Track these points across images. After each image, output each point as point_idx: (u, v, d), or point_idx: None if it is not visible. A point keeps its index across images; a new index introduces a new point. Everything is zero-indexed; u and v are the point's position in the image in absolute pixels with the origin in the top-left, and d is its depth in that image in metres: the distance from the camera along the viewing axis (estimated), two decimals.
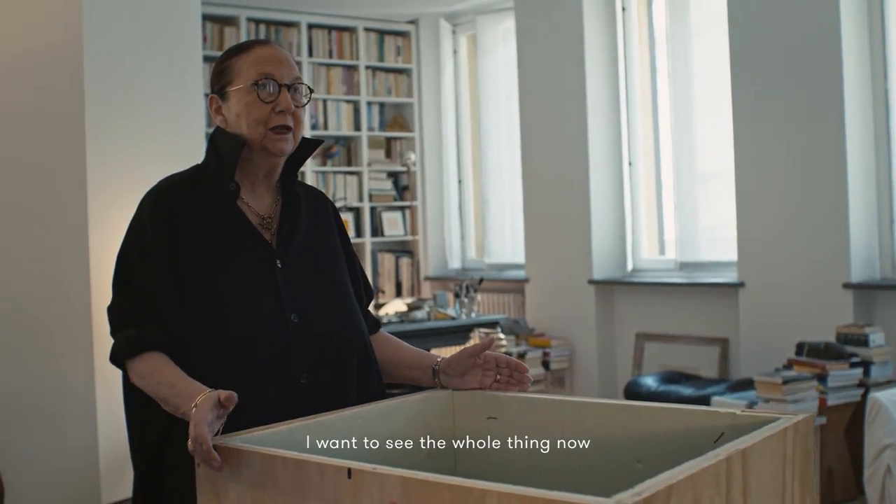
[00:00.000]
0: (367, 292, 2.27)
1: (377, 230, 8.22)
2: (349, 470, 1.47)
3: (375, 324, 2.29)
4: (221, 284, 1.97)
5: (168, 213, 1.98)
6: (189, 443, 1.66)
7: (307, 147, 2.13)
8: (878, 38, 5.24)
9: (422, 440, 2.04)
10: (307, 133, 7.75)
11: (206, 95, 2.17)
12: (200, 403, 1.70)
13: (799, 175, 5.40)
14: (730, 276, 5.94)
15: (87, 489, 3.54)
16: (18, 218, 3.86)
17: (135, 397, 1.98)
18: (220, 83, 2.05)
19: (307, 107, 2.10)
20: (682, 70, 6.30)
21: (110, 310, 2.01)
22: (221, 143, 2.05)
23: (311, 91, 2.10)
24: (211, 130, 2.14)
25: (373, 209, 8.22)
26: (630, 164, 6.75)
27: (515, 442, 2.01)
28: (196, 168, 2.11)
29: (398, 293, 8.23)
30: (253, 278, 2.00)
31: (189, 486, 1.81)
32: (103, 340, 3.53)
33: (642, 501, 1.23)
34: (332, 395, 1.98)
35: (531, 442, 2.00)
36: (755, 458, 1.51)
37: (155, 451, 1.98)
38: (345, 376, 2.06)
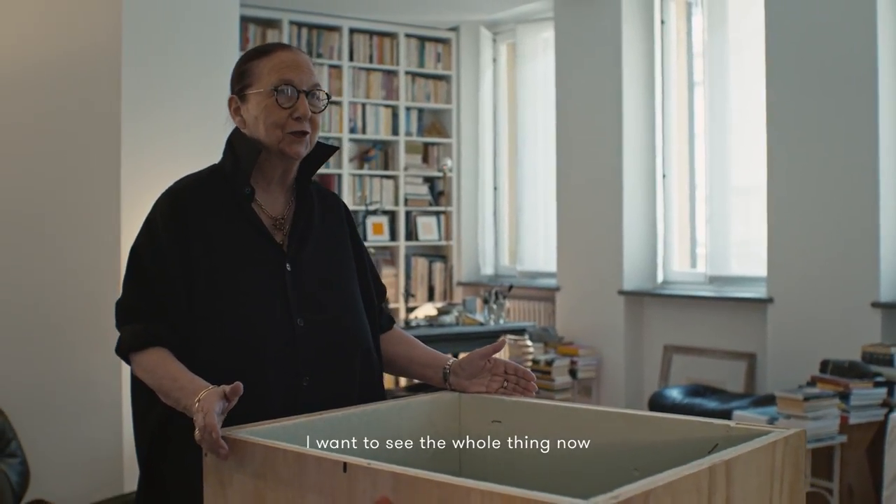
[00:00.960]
0: (378, 291, 2.30)
1: (412, 234, 8.28)
2: (345, 464, 1.53)
3: (389, 320, 2.33)
4: (230, 285, 2.02)
5: (181, 213, 2.04)
6: (196, 432, 1.72)
7: (322, 152, 2.18)
8: None
9: (427, 441, 2.09)
10: (346, 136, 7.85)
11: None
12: (207, 395, 1.76)
13: (831, 192, 5.40)
14: (759, 292, 5.93)
15: (111, 478, 3.62)
16: (52, 213, 3.95)
17: (138, 389, 2.05)
18: (239, 85, 2.10)
19: (326, 111, 2.15)
20: (719, 84, 6.31)
21: (119, 304, 2.07)
22: (239, 145, 2.10)
23: (329, 97, 2.14)
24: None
25: (408, 213, 8.29)
26: (664, 176, 6.76)
27: (518, 445, 2.06)
28: (213, 168, 2.16)
29: (430, 297, 8.29)
30: (262, 281, 2.05)
31: (187, 476, 1.88)
32: None
33: None
34: (333, 397, 2.02)
35: (533, 446, 2.04)
36: (740, 469, 1.55)
37: (154, 443, 2.05)
38: (347, 379, 2.10)
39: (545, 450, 2.01)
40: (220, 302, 2.00)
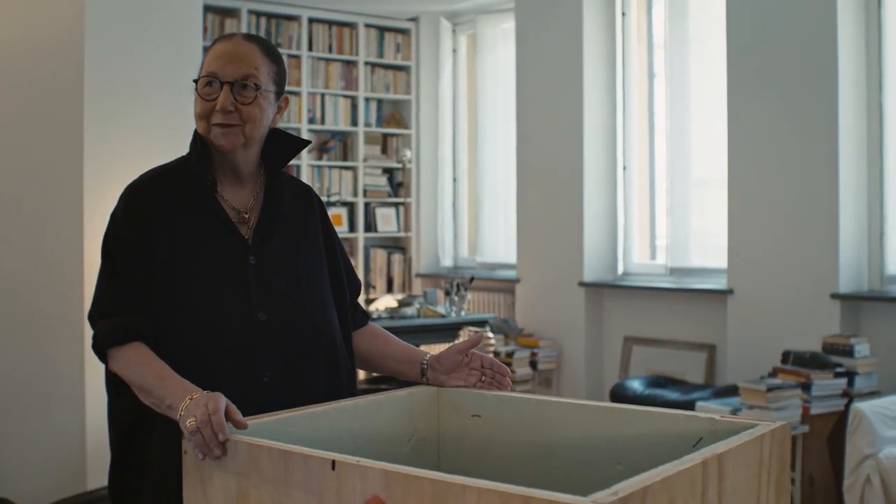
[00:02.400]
0: (353, 286, 2.27)
1: (370, 226, 8.24)
2: (333, 462, 1.50)
3: (364, 316, 2.30)
4: (190, 278, 1.99)
5: (142, 206, 2.01)
6: (191, 422, 1.68)
7: (292, 144, 2.15)
8: (875, 51, 5.28)
9: (405, 435, 2.07)
10: (305, 126, 7.78)
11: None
12: (216, 396, 1.73)
13: (791, 185, 5.44)
14: (719, 283, 5.97)
15: (74, 474, 3.56)
16: (14, 205, 3.88)
17: (114, 382, 2.01)
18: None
19: (271, 101, 2.05)
20: (679, 76, 6.33)
21: (94, 301, 2.04)
22: (196, 135, 2.08)
23: (259, 88, 2.02)
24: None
25: (367, 205, 8.25)
26: (624, 168, 6.78)
27: (497, 440, 2.05)
28: (180, 160, 2.13)
29: (389, 289, 8.25)
30: (223, 273, 2.02)
31: (161, 470, 1.85)
32: None
33: (618, 501, 1.26)
34: (296, 394, 1.99)
35: (513, 440, 2.03)
36: (731, 463, 1.55)
37: (128, 436, 2.01)
38: (311, 375, 2.06)
39: (526, 448, 2.00)
40: (179, 294, 1.98)
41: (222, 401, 1.72)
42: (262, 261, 2.06)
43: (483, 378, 2.13)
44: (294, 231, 2.15)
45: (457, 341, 2.27)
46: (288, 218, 2.14)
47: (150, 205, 2.01)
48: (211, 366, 1.93)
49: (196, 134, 2.08)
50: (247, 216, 2.09)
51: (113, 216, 2.06)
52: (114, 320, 1.97)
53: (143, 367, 1.91)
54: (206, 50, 2.10)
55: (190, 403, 1.73)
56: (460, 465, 2.06)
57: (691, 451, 1.72)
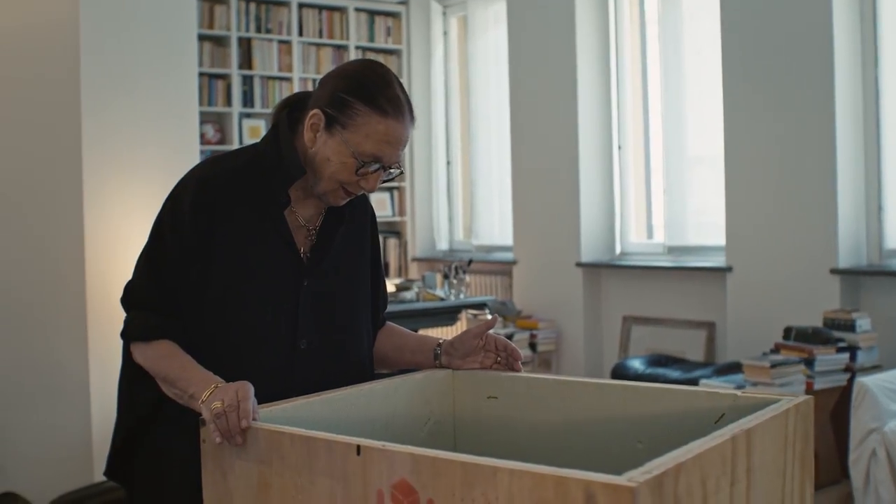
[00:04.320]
0: (383, 301, 2.27)
1: None
2: (358, 447, 1.49)
3: (382, 321, 2.29)
4: (242, 295, 1.96)
5: (211, 204, 1.94)
6: (216, 406, 1.66)
7: None
8: (870, 26, 5.26)
9: (422, 418, 2.06)
10: None
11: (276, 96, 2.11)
12: (243, 384, 1.72)
13: (788, 161, 5.43)
14: (718, 261, 5.97)
15: (80, 466, 3.54)
16: (12, 196, 3.84)
17: (132, 368, 1.99)
18: (335, 112, 1.92)
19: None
20: (673, 54, 6.31)
21: (132, 286, 2.00)
22: (287, 150, 1.98)
23: (402, 171, 2.05)
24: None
25: (369, 191, 8.18)
26: (619, 147, 6.76)
27: (514, 421, 2.03)
28: (250, 158, 2.03)
29: (386, 274, 8.22)
30: (276, 295, 1.98)
31: (172, 460, 1.85)
32: (97, 319, 3.54)
33: (652, 479, 1.24)
34: None
35: (529, 421, 2.01)
36: (759, 439, 1.53)
37: (141, 427, 2.00)
38: None
39: (544, 429, 1.99)
40: (229, 311, 1.95)
41: (252, 390, 1.71)
42: (315, 283, 2.02)
43: (499, 359, 2.12)
44: (347, 248, 2.11)
45: (462, 325, 2.26)
46: (346, 234, 2.10)
47: (220, 205, 1.95)
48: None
49: (279, 139, 1.99)
50: (311, 230, 2.05)
51: (175, 201, 1.98)
52: (146, 316, 1.95)
53: (168, 359, 1.90)
54: (357, 94, 1.91)
55: (217, 390, 1.72)
56: (477, 447, 2.04)
57: (712, 428, 1.71)
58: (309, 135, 1.95)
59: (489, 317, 6.00)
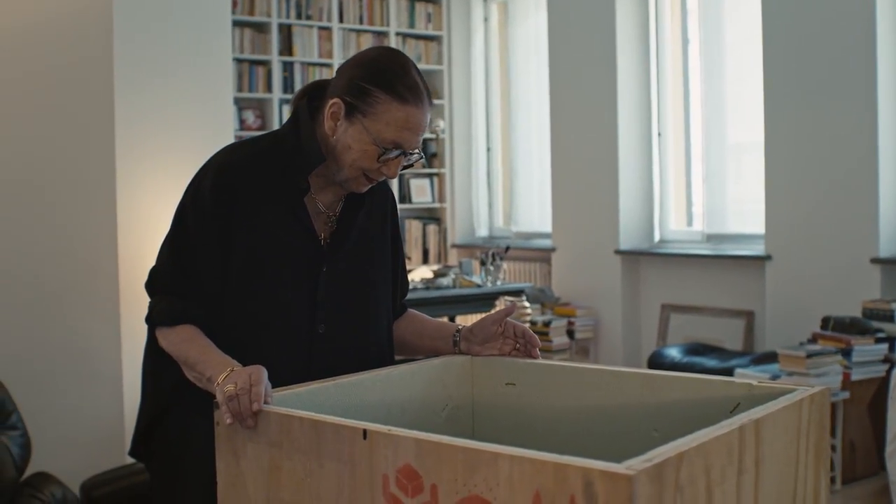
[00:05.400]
0: (403, 287, 2.28)
1: (405, 197, 8.22)
2: (364, 431, 1.50)
3: (402, 308, 2.29)
4: (262, 280, 1.97)
5: (232, 191, 1.96)
6: (229, 388, 1.68)
7: None
8: None
9: (440, 404, 2.06)
10: None
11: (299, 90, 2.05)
12: (257, 368, 1.74)
13: (829, 149, 5.36)
14: (757, 249, 5.91)
15: (112, 448, 3.58)
16: (46, 182, 3.89)
17: (157, 351, 2.02)
18: (353, 99, 1.93)
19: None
20: (714, 41, 6.24)
21: (156, 271, 2.03)
22: (308, 138, 1.99)
23: (422, 157, 2.07)
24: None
25: (401, 176, 8.21)
26: (659, 134, 6.71)
27: (532, 408, 2.03)
28: (271, 142, 2.05)
29: (425, 260, 8.24)
30: (295, 281, 2.00)
31: (192, 441, 1.88)
32: (130, 301, 3.58)
33: (652, 468, 1.24)
34: None
35: (548, 408, 2.01)
36: (769, 429, 1.52)
37: (162, 410, 2.03)
38: None
39: (562, 416, 1.98)
40: (249, 296, 1.97)
41: (265, 374, 1.73)
42: (334, 269, 2.04)
43: (517, 346, 2.12)
44: (367, 234, 2.12)
45: (491, 312, 2.25)
46: (365, 220, 2.11)
47: (240, 190, 1.97)
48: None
49: (299, 126, 2.01)
50: (330, 216, 2.06)
51: (196, 186, 2.00)
52: (170, 301, 1.98)
53: (188, 342, 1.93)
54: (376, 82, 1.92)
55: (232, 373, 1.74)
56: (495, 433, 2.05)
57: (727, 417, 1.70)
58: (329, 123, 1.96)
59: (526, 304, 6.01)
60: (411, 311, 2.32)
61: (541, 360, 2.09)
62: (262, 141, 2.08)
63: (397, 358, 2.21)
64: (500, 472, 1.32)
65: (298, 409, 1.66)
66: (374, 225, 2.15)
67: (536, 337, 2.13)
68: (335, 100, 1.95)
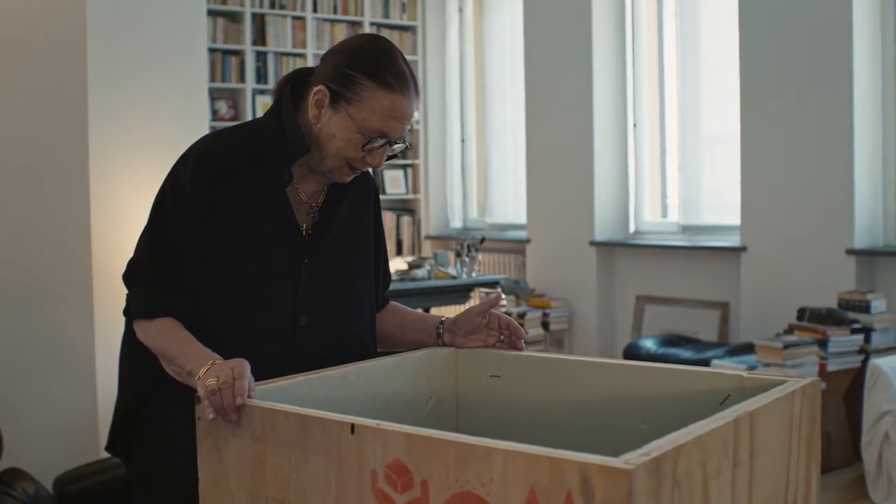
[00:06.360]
0: (385, 279, 2.24)
1: (379, 188, 8.15)
2: (352, 425, 1.46)
3: (384, 300, 2.25)
4: (243, 272, 1.93)
5: (212, 179, 1.91)
6: (210, 383, 1.64)
7: None
8: (890, 4, 5.18)
9: (423, 397, 2.03)
10: None
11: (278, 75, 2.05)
12: (240, 361, 1.70)
13: (804, 140, 5.36)
14: (732, 241, 5.91)
15: (85, 442, 3.53)
16: (20, 171, 3.82)
17: (132, 348, 1.97)
18: (338, 87, 1.88)
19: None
20: (690, 32, 6.24)
21: (134, 262, 1.98)
22: (292, 127, 1.94)
23: (408, 146, 2.03)
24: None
25: (374, 167, 8.14)
26: (635, 125, 6.70)
27: (517, 400, 2.00)
28: (252, 132, 2.00)
29: (399, 252, 8.20)
30: (276, 273, 1.95)
31: (169, 438, 1.85)
32: (104, 292, 3.52)
33: (650, 461, 1.21)
34: None
35: (533, 401, 1.98)
36: (763, 421, 1.50)
37: (140, 401, 1.98)
38: None
39: (548, 408, 1.96)
40: (230, 287, 1.93)
41: (248, 367, 1.69)
42: (316, 260, 1.99)
43: (502, 338, 2.09)
44: (349, 224, 2.08)
45: (473, 304, 2.23)
46: (347, 210, 2.07)
47: (221, 178, 1.92)
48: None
49: (282, 115, 1.96)
50: (312, 207, 2.02)
51: (176, 176, 1.95)
52: (149, 293, 1.93)
53: (167, 335, 1.87)
54: (361, 69, 1.88)
55: (213, 367, 1.70)
56: (479, 427, 2.02)
57: (718, 409, 1.68)
58: (313, 111, 1.92)
59: (502, 295, 5.98)
60: (393, 303, 2.28)
61: (526, 353, 2.06)
62: (244, 129, 2.04)
63: (380, 350, 2.17)
64: (494, 467, 1.29)
65: (282, 403, 1.62)
66: (357, 216, 2.11)
67: (521, 329, 2.10)
68: (319, 87, 1.90)
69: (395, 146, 1.95)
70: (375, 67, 1.87)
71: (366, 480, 1.44)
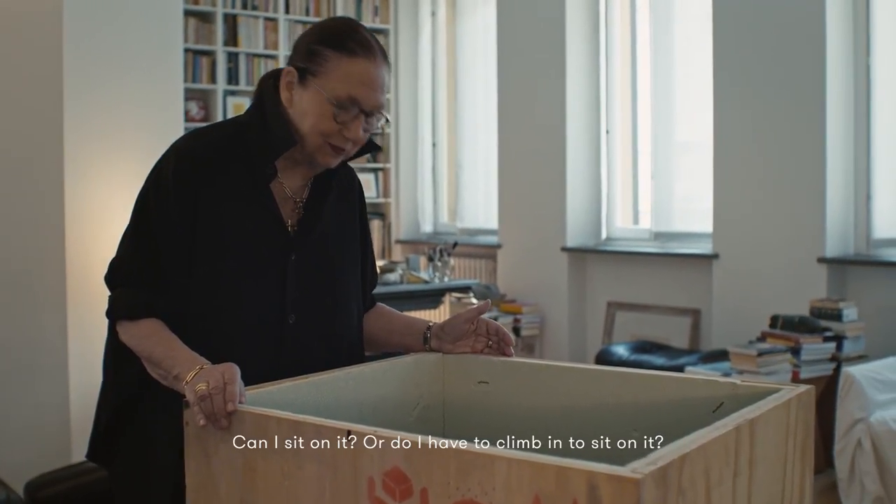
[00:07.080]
0: (372, 278, 2.21)
1: None
2: (348, 432, 1.43)
3: (371, 301, 2.23)
4: (229, 271, 1.89)
5: (193, 177, 1.88)
6: (200, 388, 1.61)
7: (363, 147, 2.00)
8: (862, 13, 5.22)
9: (411, 403, 2.01)
10: None
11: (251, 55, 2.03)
12: (230, 366, 1.67)
13: (777, 148, 5.39)
14: (704, 248, 5.93)
15: (58, 447, 3.48)
16: None
17: (116, 350, 1.93)
18: (304, 64, 1.88)
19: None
20: (663, 39, 6.26)
21: (116, 263, 1.94)
22: (274, 120, 1.91)
23: (388, 121, 2.02)
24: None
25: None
26: (607, 131, 6.71)
27: (505, 407, 1.98)
28: (236, 128, 1.98)
29: None
30: (263, 270, 1.92)
31: (155, 444, 1.81)
32: (78, 298, 3.47)
33: (657, 471, 1.20)
34: None
35: (521, 407, 1.97)
36: (762, 429, 1.49)
37: (125, 409, 1.94)
38: None
39: (534, 411, 1.94)
40: (215, 286, 1.89)
41: (238, 372, 1.65)
42: (303, 256, 1.97)
43: (490, 344, 2.07)
44: (336, 221, 2.06)
45: (447, 308, 2.21)
46: (334, 207, 2.05)
47: (202, 176, 1.89)
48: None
49: (264, 109, 1.93)
50: (297, 202, 1.99)
51: (158, 173, 1.92)
52: (131, 293, 1.89)
53: (152, 338, 1.83)
54: (323, 42, 1.88)
55: (202, 371, 1.66)
56: (467, 433, 2.00)
57: (711, 417, 1.67)
58: (286, 94, 1.91)
59: (474, 300, 5.97)
60: (380, 304, 2.26)
61: (514, 359, 2.04)
62: (227, 125, 2.01)
63: (367, 354, 2.15)
64: (497, 476, 1.26)
65: (271, 408, 1.59)
66: (342, 212, 2.09)
67: (510, 335, 2.09)
68: (288, 69, 1.91)
69: (373, 119, 1.92)
70: (338, 38, 1.88)
71: (362, 488, 1.41)
